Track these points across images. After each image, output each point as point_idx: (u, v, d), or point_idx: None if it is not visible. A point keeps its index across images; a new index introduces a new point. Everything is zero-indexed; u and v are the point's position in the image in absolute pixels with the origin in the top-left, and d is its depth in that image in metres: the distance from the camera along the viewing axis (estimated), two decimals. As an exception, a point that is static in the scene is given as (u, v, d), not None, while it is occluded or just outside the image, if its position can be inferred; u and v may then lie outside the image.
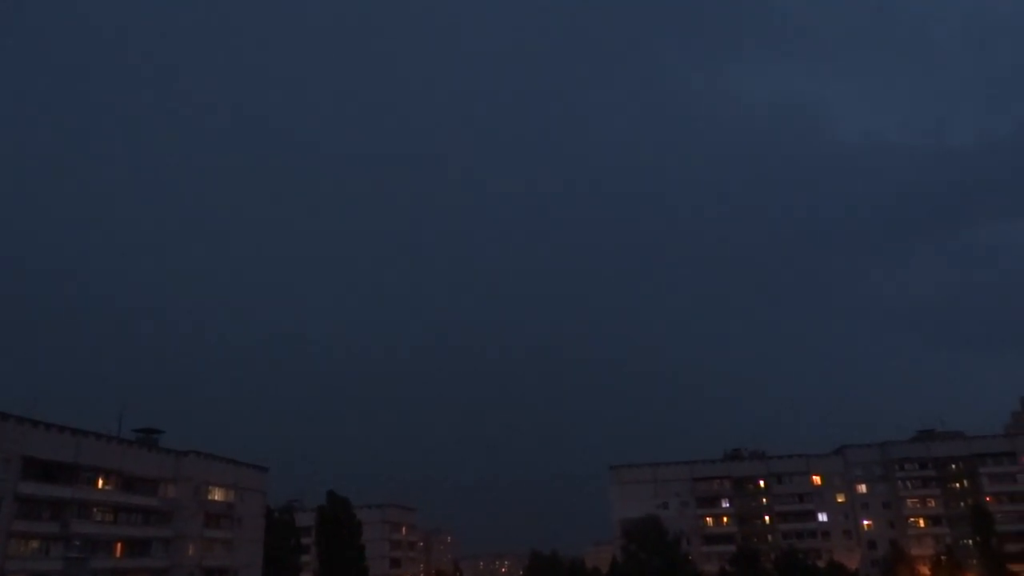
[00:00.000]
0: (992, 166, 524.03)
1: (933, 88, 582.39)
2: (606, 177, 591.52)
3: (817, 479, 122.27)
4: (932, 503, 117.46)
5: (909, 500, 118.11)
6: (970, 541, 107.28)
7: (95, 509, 77.17)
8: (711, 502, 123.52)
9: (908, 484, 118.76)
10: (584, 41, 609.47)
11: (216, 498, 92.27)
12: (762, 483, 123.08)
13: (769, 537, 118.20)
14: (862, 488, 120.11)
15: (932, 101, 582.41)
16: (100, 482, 78.20)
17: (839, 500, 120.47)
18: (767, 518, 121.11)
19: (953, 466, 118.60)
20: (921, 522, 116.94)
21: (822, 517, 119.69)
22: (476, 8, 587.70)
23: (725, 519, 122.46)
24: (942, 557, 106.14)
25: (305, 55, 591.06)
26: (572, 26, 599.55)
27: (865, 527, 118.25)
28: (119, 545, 79.28)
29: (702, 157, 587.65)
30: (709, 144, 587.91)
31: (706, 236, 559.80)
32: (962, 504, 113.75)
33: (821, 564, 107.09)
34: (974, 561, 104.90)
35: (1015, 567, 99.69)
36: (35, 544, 70.25)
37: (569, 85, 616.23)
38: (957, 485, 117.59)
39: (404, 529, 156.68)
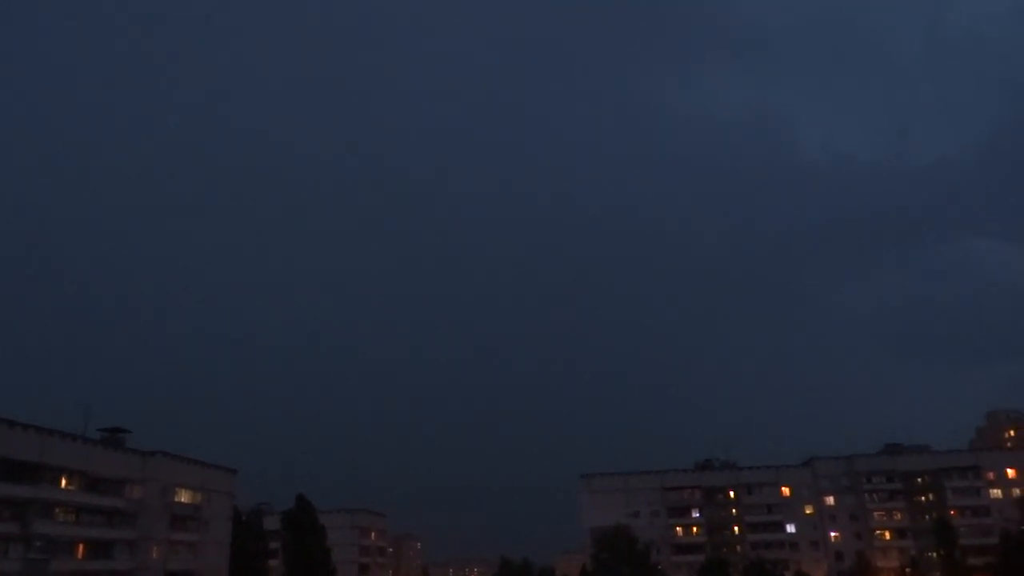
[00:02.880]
0: (954, 182, 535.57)
1: (894, 105, 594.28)
2: (572, 189, 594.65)
3: (786, 490, 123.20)
4: (898, 516, 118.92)
5: (876, 512, 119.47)
6: (935, 554, 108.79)
7: (57, 509, 75.65)
8: (681, 512, 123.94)
9: (875, 497, 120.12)
10: (554, 54, 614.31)
11: (183, 500, 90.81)
12: (732, 493, 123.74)
13: (738, 547, 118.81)
14: (830, 500, 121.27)
15: (893, 118, 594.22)
16: (63, 482, 76.67)
17: (807, 511, 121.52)
18: (736, 528, 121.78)
19: (919, 479, 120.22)
20: (887, 534, 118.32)
21: (790, 528, 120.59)
22: (449, 21, 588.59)
23: (695, 529, 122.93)
24: (907, 569, 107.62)
25: (277, 56, 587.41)
26: (543, 38, 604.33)
27: (832, 538, 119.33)
28: (81, 546, 77.74)
29: (672, 171, 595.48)
30: (679, 158, 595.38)
31: (677, 248, 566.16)
32: (927, 517, 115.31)
33: (788, 575, 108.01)
34: (938, 574, 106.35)
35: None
36: (-6, 544, 68.63)
37: (539, 96, 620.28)
38: (923, 498, 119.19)
39: (373, 534, 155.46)
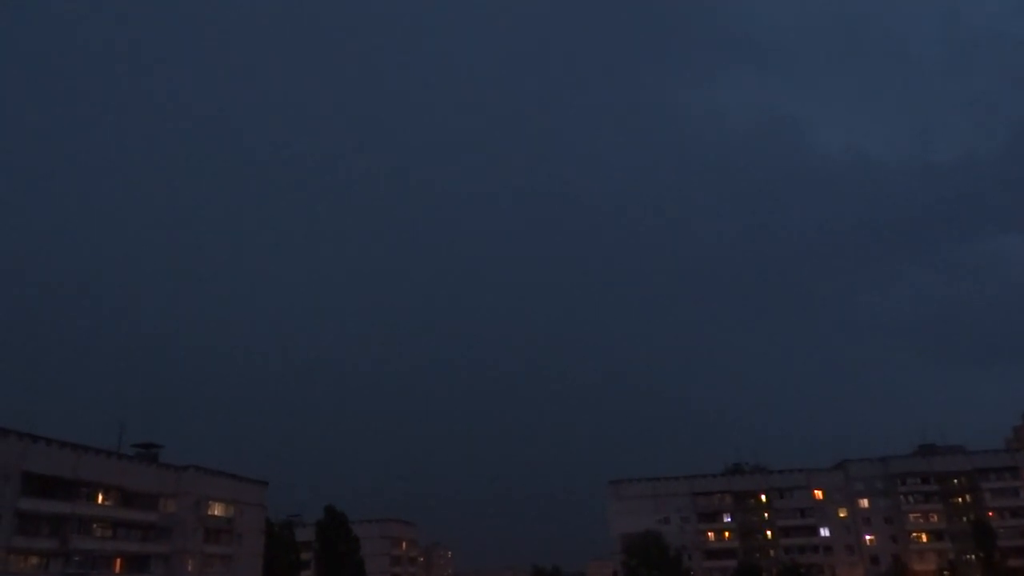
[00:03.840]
0: (977, 181, 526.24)
1: (915, 104, 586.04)
2: (593, 193, 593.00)
3: (819, 494, 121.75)
4: (934, 518, 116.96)
5: (911, 515, 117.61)
6: (973, 556, 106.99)
7: (94, 525, 77.10)
8: (712, 517, 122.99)
9: (910, 499, 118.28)
10: (566, 57, 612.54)
11: (216, 513, 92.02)
12: (763, 497, 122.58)
13: (771, 552, 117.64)
14: (864, 503, 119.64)
15: (915, 117, 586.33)
16: (99, 497, 78.17)
17: (841, 515, 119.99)
18: (769, 533, 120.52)
19: (955, 481, 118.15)
20: (923, 537, 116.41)
21: (824, 532, 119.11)
22: (458, 24, 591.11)
23: (727, 534, 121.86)
24: (945, 572, 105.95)
25: (263, 60, 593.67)
26: (554, 41, 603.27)
27: (867, 542, 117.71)
28: (118, 561, 79.10)
29: (689, 174, 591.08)
30: (695, 161, 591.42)
31: (702, 252, 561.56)
32: (964, 519, 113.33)
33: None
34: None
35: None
36: (34, 560, 70.20)
37: (550, 100, 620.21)
38: (959, 500, 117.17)
39: (404, 544, 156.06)
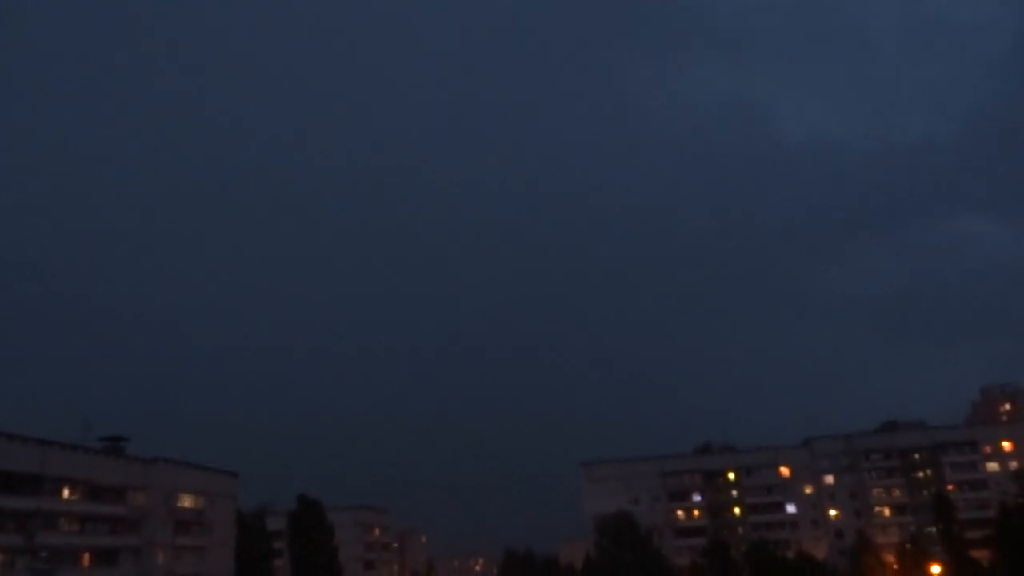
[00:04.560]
0: (939, 162, 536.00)
1: (875, 88, 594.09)
2: (559, 177, 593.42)
3: (785, 471, 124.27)
4: (897, 492, 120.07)
5: (874, 490, 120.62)
6: (934, 529, 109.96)
7: (61, 519, 75.93)
8: (682, 496, 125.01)
9: (873, 474, 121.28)
10: (532, 42, 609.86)
11: (186, 505, 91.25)
12: (732, 476, 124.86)
13: (739, 529, 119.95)
14: (829, 479, 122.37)
15: (875, 101, 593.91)
16: (66, 492, 76.95)
17: (807, 491, 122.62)
18: (737, 510, 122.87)
19: (917, 456, 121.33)
20: (886, 511, 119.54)
21: (791, 508, 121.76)
22: (425, 9, 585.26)
23: (696, 512, 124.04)
24: (907, 545, 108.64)
25: (272, 53, 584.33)
26: (520, 27, 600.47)
27: (832, 517, 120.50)
28: (87, 555, 78.04)
29: (654, 158, 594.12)
30: (660, 145, 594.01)
31: (666, 237, 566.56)
32: (926, 493, 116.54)
33: (790, 555, 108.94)
34: (938, 548, 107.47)
35: (977, 553, 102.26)
36: (0, 557, 68.97)
37: (516, 89, 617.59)
38: (921, 474, 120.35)
39: (377, 530, 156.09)
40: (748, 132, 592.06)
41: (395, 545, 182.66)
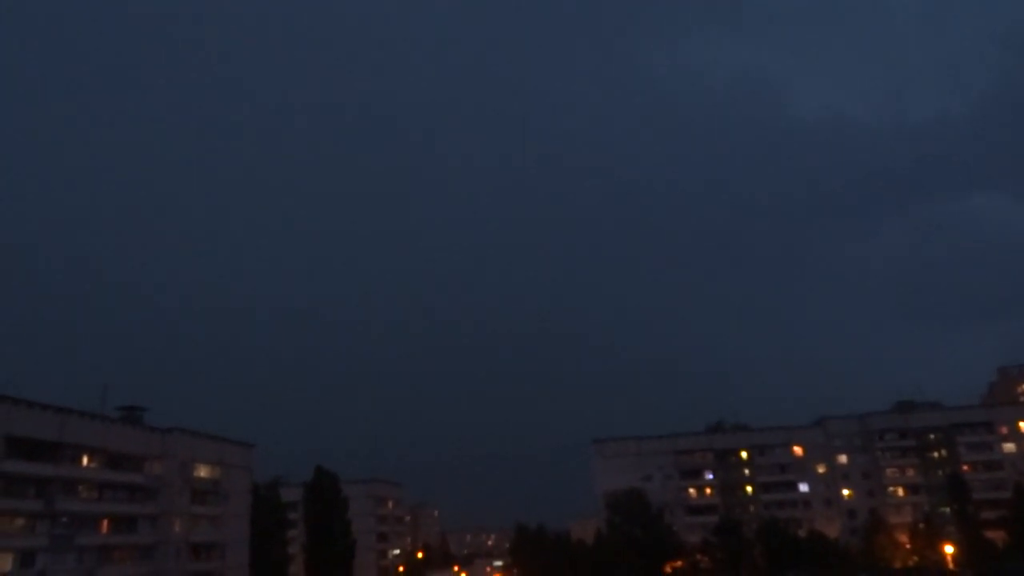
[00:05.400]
0: (953, 139, 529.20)
1: (890, 64, 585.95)
2: (572, 156, 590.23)
3: (798, 450, 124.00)
4: (911, 472, 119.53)
5: (888, 470, 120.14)
6: (947, 509, 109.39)
7: (80, 486, 77.02)
8: (694, 474, 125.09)
9: (887, 454, 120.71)
10: (542, 17, 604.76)
11: (202, 475, 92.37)
12: (744, 455, 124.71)
13: (751, 508, 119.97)
14: (842, 459, 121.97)
15: (890, 76, 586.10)
16: (85, 460, 77.99)
17: (820, 471, 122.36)
18: (749, 489, 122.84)
19: (931, 436, 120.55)
20: (900, 491, 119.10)
21: (803, 487, 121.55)
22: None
23: (708, 490, 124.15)
24: (920, 525, 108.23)
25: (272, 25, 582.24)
26: (529, 2, 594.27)
27: (845, 496, 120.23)
28: (105, 522, 79.27)
29: (667, 135, 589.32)
30: (673, 121, 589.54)
31: (678, 215, 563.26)
32: (940, 473, 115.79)
33: (802, 533, 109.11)
34: (951, 528, 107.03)
35: (991, 533, 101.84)
36: (21, 522, 70.14)
37: (525, 64, 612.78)
38: (935, 455, 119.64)
39: (390, 504, 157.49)
40: (762, 110, 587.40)
41: (408, 519, 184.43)
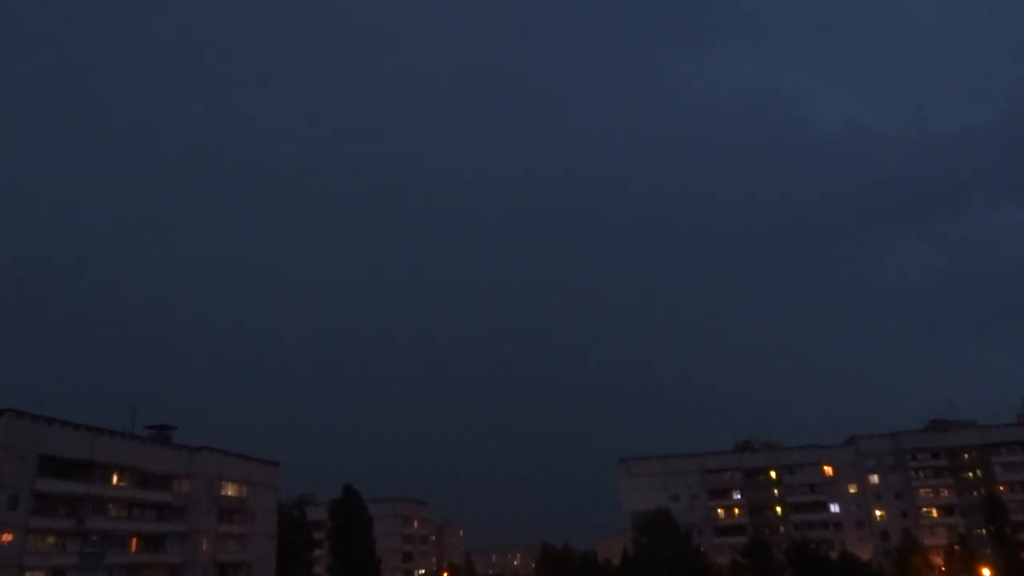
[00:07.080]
0: (980, 151, 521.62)
1: (913, 75, 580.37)
2: (595, 169, 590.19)
3: (829, 470, 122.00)
4: (945, 493, 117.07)
5: (922, 490, 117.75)
6: (984, 530, 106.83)
7: (110, 505, 77.84)
8: (722, 494, 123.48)
9: (921, 474, 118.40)
10: (562, 29, 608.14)
11: (229, 493, 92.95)
12: (773, 474, 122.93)
13: (781, 528, 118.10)
14: (874, 478, 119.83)
15: (912, 88, 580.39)
16: (115, 478, 78.88)
17: (851, 491, 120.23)
18: (779, 509, 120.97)
19: (966, 455, 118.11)
20: (934, 512, 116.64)
21: (834, 508, 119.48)
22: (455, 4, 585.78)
23: (736, 510, 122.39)
24: (955, 547, 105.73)
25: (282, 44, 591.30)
26: (550, 13, 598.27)
27: (878, 517, 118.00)
28: (134, 540, 79.98)
29: (688, 147, 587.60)
30: (693, 133, 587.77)
31: (705, 227, 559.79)
32: (975, 493, 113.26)
33: (834, 555, 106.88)
34: (988, 551, 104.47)
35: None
36: (52, 540, 70.96)
37: (545, 77, 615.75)
38: (970, 474, 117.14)
39: (416, 523, 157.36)
40: (784, 120, 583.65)
41: (433, 538, 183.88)
